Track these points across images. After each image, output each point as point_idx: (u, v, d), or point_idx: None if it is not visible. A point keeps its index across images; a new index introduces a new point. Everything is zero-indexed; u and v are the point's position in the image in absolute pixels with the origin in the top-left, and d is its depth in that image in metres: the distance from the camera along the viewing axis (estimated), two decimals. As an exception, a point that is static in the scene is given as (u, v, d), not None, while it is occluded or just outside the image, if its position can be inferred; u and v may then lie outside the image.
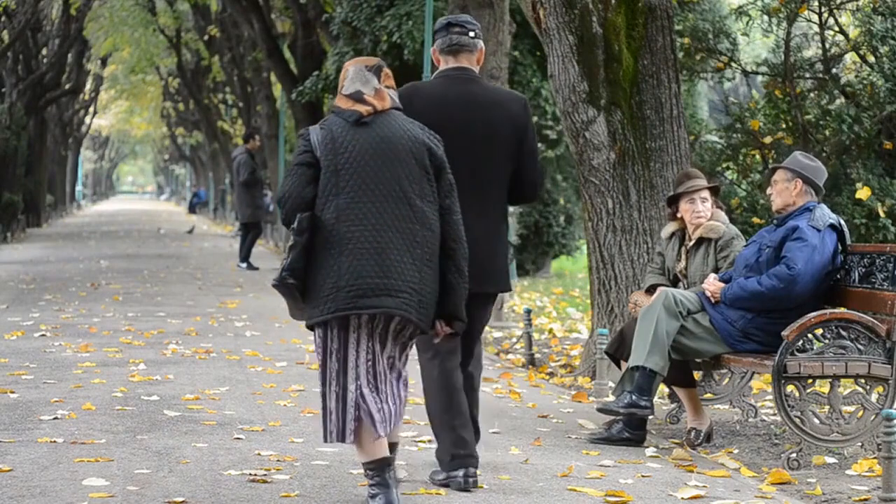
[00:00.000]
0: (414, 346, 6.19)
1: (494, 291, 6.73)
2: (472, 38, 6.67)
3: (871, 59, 12.02)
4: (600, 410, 7.82)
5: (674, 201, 8.43)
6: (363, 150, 5.90)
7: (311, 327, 5.89)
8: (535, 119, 23.42)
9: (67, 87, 45.41)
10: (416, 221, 5.90)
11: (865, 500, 6.43)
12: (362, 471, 5.89)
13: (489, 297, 6.70)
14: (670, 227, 8.47)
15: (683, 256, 8.33)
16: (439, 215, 5.99)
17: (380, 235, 5.82)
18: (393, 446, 6.02)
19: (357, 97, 6.01)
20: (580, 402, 9.40)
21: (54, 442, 7.29)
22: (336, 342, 5.83)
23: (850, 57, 12.79)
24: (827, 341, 7.21)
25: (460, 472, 6.33)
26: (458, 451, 6.33)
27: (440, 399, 6.42)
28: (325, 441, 5.83)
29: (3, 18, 34.34)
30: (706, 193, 8.29)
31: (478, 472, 6.38)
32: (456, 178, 6.15)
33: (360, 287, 5.74)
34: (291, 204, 5.88)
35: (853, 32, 12.43)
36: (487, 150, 6.57)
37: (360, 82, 6.05)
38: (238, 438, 7.54)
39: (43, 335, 12.77)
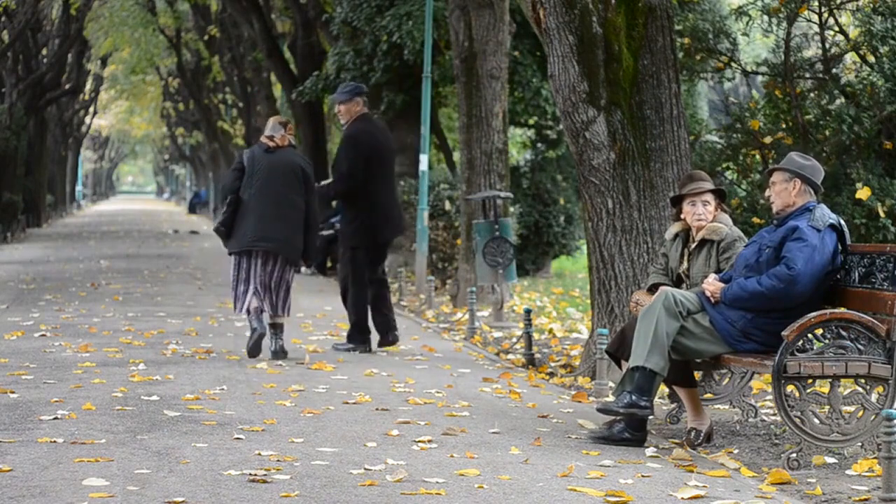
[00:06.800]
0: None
1: (399, 235, 12.72)
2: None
3: (871, 59, 12.01)
4: (600, 410, 7.82)
5: (677, 202, 8.43)
6: (267, 166, 11.32)
7: (231, 254, 11.36)
8: (535, 119, 23.43)
9: (67, 87, 45.40)
10: (289, 206, 11.27)
11: (865, 500, 6.43)
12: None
13: (392, 241, 12.34)
14: (674, 227, 8.47)
15: (686, 257, 8.34)
16: (305, 204, 11.34)
17: (268, 211, 11.20)
18: (279, 325, 11.39)
19: (270, 138, 11.43)
20: (580, 402, 9.40)
21: (54, 442, 7.29)
22: (246, 264, 11.31)
23: (850, 57, 12.78)
24: (827, 341, 7.21)
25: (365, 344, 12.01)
26: (360, 334, 12.02)
27: (361, 310, 12.02)
28: (235, 311, 11.49)
29: (3, 18, 34.35)
30: (709, 196, 8.29)
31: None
32: (385, 173, 11.97)
33: (255, 236, 11.19)
34: (228, 190, 11.45)
35: (853, 32, 12.42)
36: (393, 160, 12.37)
37: (274, 130, 11.46)
38: (238, 438, 7.54)
39: (43, 335, 12.78)
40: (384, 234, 11.95)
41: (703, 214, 8.27)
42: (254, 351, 11.25)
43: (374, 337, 12.21)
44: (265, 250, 11.20)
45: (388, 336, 12.12)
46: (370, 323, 12.12)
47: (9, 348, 11.66)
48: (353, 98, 11.95)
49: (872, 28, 11.72)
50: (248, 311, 11.26)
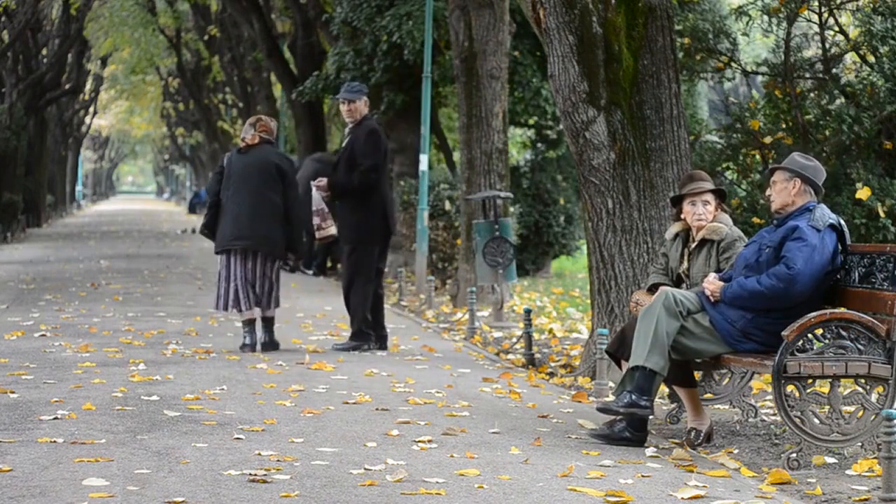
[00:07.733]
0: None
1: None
2: None
3: (871, 59, 12.01)
4: (600, 410, 7.82)
5: (677, 202, 8.43)
6: (242, 167, 11.82)
7: (217, 253, 11.87)
8: (535, 119, 23.43)
9: (67, 87, 45.37)
10: (265, 203, 11.70)
11: (865, 500, 6.43)
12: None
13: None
14: (674, 227, 8.47)
15: (686, 257, 8.34)
16: (283, 199, 11.78)
17: (244, 209, 11.69)
18: (269, 319, 11.88)
19: (243, 139, 11.96)
20: (580, 402, 9.40)
21: (54, 442, 7.29)
22: (226, 261, 11.80)
23: (850, 57, 12.78)
24: (827, 341, 7.21)
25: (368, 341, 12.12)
26: (367, 330, 12.07)
27: (367, 305, 12.05)
28: (216, 309, 11.94)
29: (3, 18, 34.34)
30: (709, 196, 8.29)
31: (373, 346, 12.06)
32: (387, 171, 12.21)
33: (235, 235, 11.72)
34: (210, 193, 12.07)
35: (853, 32, 12.42)
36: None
37: (245, 132, 11.96)
38: (238, 438, 7.54)
39: (43, 335, 12.78)
40: (393, 227, 12.25)
41: (704, 214, 8.27)
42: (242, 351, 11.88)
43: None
44: (243, 248, 11.70)
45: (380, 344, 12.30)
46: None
47: (9, 348, 11.66)
48: (363, 97, 12.20)
49: (872, 28, 11.72)
50: (227, 309, 11.85)
